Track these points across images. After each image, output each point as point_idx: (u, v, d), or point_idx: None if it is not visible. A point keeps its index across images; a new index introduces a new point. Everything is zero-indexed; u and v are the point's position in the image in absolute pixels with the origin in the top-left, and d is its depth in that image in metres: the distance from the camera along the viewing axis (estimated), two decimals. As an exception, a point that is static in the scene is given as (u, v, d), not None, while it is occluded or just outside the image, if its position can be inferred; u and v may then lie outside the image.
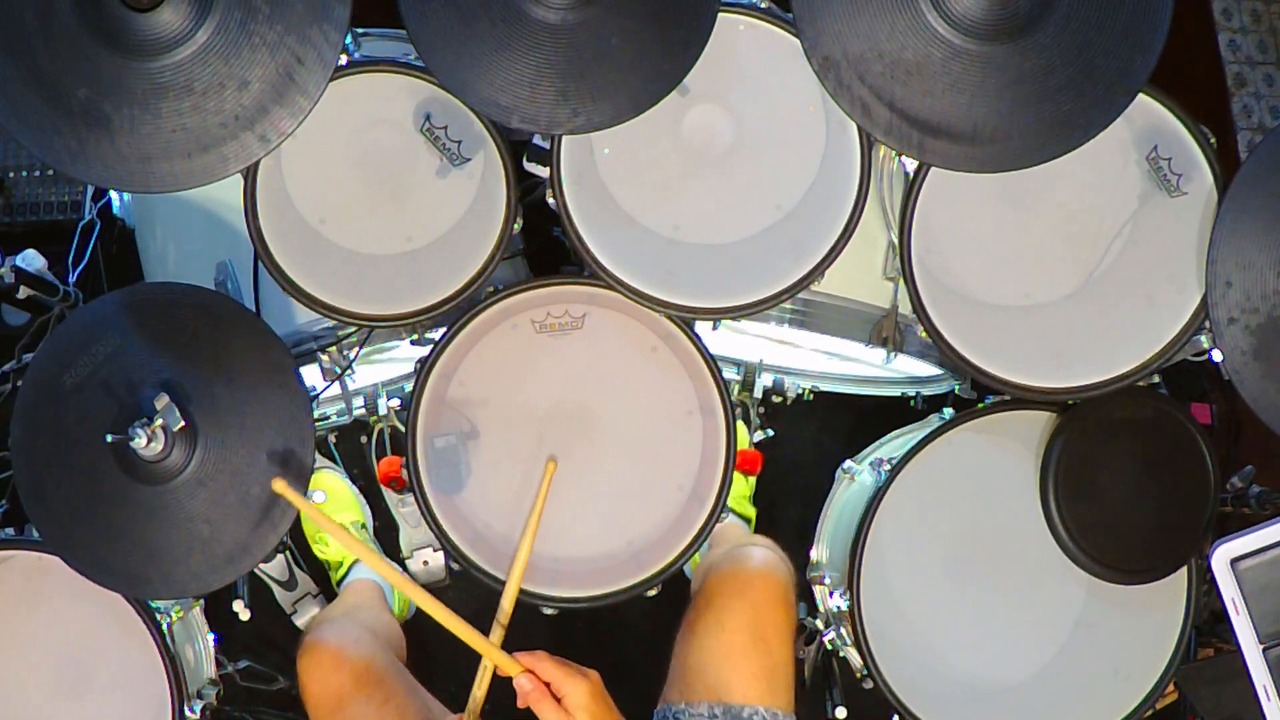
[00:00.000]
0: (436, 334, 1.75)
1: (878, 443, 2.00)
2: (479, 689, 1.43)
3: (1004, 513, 1.78)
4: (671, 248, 1.72)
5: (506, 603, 1.49)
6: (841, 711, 1.98)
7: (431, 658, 1.90)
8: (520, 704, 1.35)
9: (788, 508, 2.27)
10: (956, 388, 2.06)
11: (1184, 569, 1.74)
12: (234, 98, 1.46)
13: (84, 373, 1.52)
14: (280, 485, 1.44)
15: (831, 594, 1.80)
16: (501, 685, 1.44)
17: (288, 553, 2.06)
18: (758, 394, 2.04)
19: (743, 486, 2.20)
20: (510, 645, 1.44)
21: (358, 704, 1.62)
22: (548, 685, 1.34)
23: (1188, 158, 1.65)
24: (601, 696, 1.36)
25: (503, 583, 1.67)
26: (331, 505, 2.16)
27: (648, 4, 1.52)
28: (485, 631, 1.43)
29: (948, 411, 1.83)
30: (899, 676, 1.71)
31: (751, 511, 2.20)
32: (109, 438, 1.43)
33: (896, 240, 1.66)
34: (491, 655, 1.39)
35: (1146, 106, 1.62)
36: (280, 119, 1.48)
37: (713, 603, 1.63)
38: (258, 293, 1.77)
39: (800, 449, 2.32)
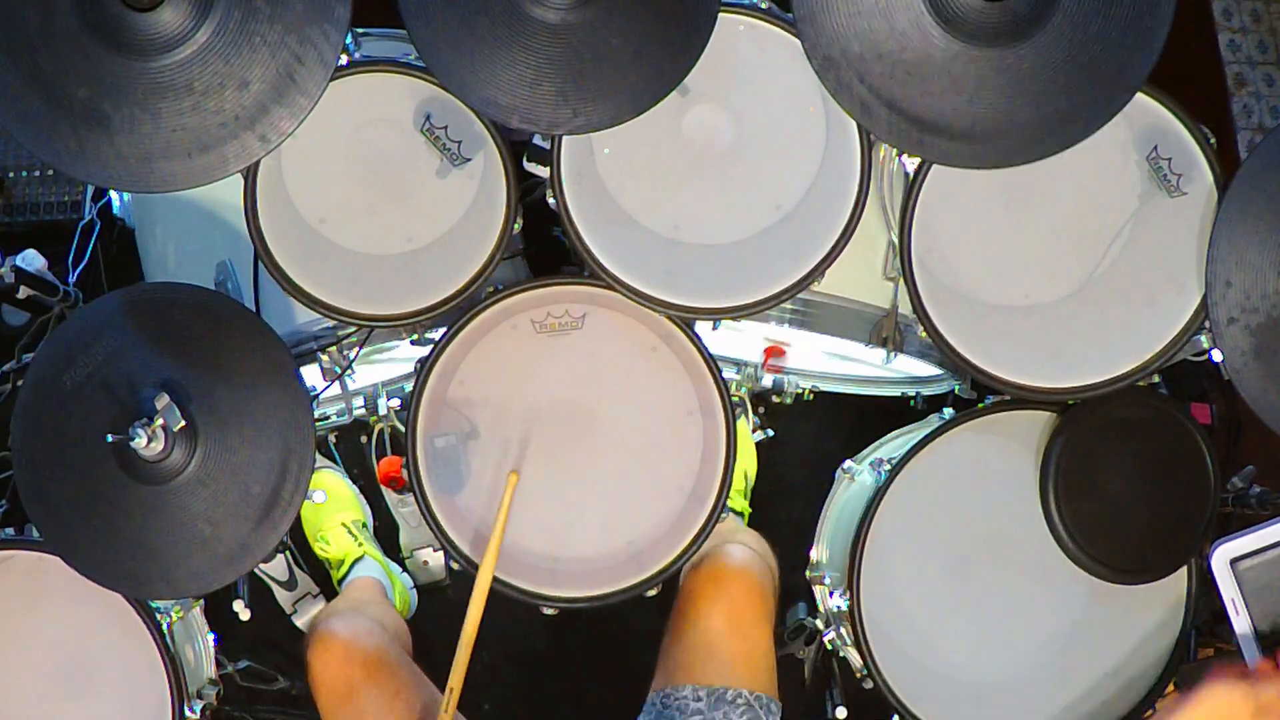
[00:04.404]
0: (436, 334, 1.75)
1: (878, 443, 2.00)
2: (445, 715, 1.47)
3: (1004, 513, 1.77)
4: (671, 248, 1.72)
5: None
6: (841, 711, 1.98)
7: (433, 659, 1.90)
8: None
9: (788, 508, 2.27)
10: (956, 388, 2.05)
11: (1184, 569, 1.75)
12: (234, 98, 1.46)
13: (84, 373, 1.51)
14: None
15: (831, 594, 1.80)
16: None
17: (288, 552, 2.06)
18: (766, 383, 2.03)
19: (739, 482, 2.20)
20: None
21: (369, 694, 1.63)
22: None
23: (1188, 158, 1.65)
24: None
25: (503, 583, 1.68)
26: (331, 505, 2.16)
27: (648, 4, 1.52)
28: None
29: (948, 411, 1.83)
30: (899, 676, 1.71)
31: (745, 505, 2.20)
32: (110, 438, 1.43)
33: (896, 240, 1.66)
34: None
35: (1146, 106, 1.62)
36: (280, 119, 1.48)
37: (691, 599, 1.69)
38: (258, 293, 1.77)
39: (800, 449, 2.32)
